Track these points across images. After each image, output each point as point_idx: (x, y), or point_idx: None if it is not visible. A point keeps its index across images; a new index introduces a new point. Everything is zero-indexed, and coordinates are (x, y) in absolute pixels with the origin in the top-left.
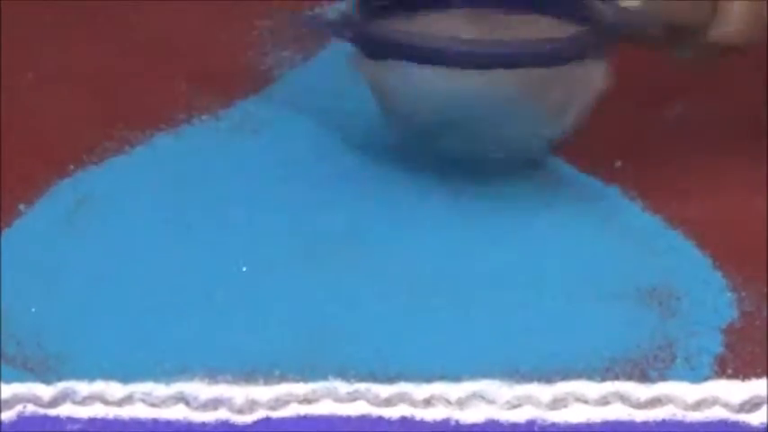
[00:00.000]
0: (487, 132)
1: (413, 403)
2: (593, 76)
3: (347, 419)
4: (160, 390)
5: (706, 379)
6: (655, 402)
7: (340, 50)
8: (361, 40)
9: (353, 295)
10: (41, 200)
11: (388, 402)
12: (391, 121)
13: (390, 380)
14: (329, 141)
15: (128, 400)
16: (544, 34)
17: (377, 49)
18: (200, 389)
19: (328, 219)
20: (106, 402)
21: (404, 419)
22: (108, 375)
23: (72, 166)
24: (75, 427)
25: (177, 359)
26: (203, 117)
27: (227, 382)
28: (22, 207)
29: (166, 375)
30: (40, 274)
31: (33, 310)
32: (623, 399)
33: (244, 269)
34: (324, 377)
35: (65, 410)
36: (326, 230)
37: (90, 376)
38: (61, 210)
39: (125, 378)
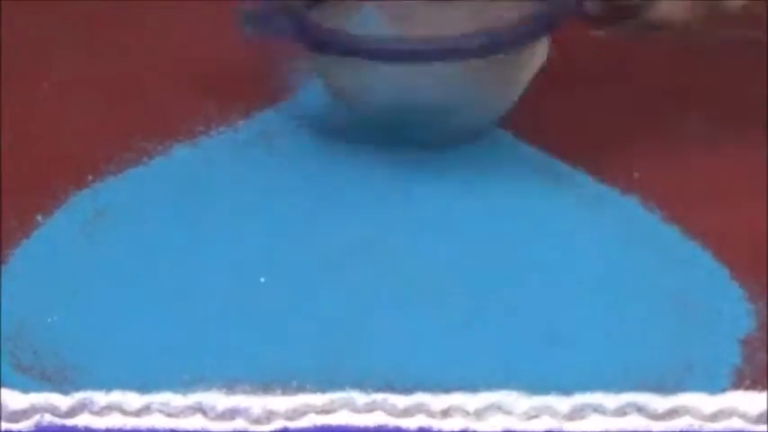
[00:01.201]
0: (440, 118)
1: (430, 414)
2: (538, 53)
3: (365, 430)
4: (177, 400)
5: (724, 390)
6: (672, 413)
7: None
8: (306, 38)
9: (371, 306)
10: (60, 210)
11: (406, 413)
12: (343, 107)
13: (408, 390)
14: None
15: (145, 410)
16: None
17: (324, 45)
18: (218, 399)
19: (344, 229)
20: (124, 412)
21: (421, 430)
22: (125, 386)
23: (90, 177)
24: None
25: (195, 369)
26: (221, 129)
27: (245, 392)
28: (40, 218)
29: (184, 385)
30: (57, 284)
31: (51, 320)
32: (641, 410)
33: (261, 280)
34: (341, 388)
35: (82, 420)
36: (343, 241)
37: (107, 386)
38: (79, 220)
39: (142, 388)
